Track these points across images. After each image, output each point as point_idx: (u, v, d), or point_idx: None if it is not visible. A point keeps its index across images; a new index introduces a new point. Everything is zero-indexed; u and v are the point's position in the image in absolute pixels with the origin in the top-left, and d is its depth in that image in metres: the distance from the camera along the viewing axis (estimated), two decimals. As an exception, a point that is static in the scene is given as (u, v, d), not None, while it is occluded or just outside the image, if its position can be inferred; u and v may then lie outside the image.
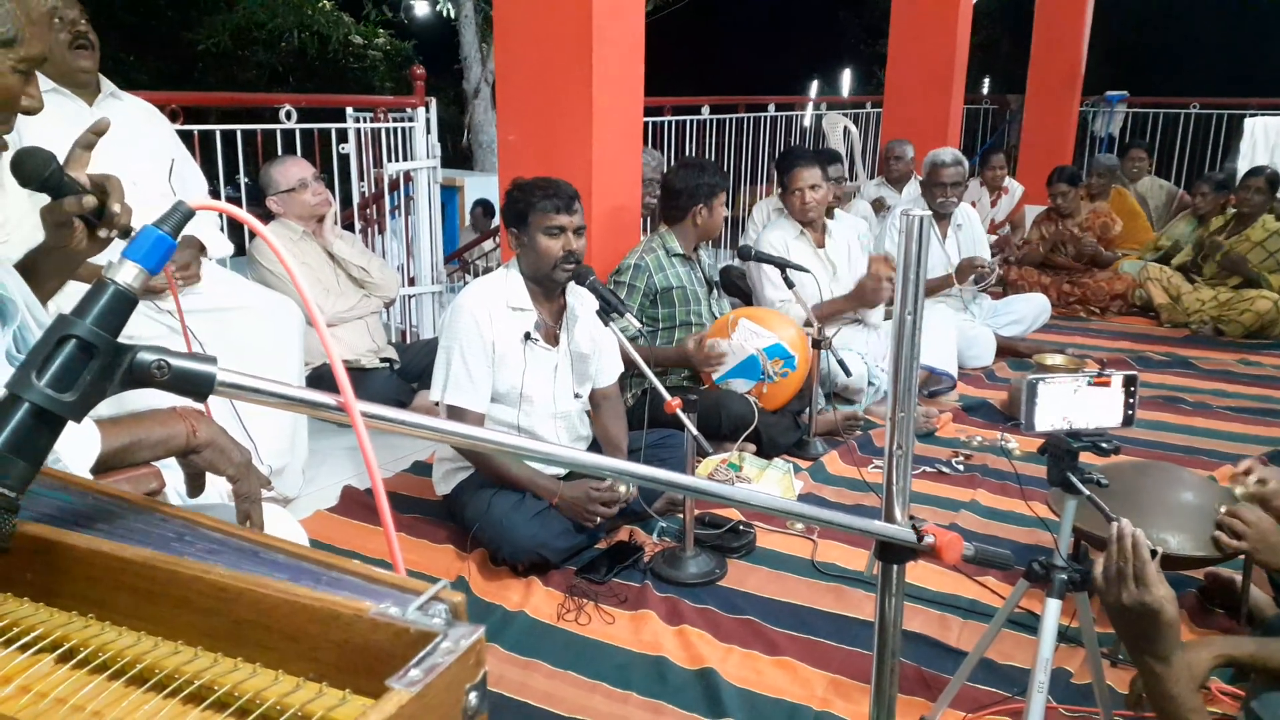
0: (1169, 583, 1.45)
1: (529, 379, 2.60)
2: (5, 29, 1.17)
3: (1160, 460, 3.03)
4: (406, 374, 3.68)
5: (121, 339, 0.68)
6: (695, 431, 2.40)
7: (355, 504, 2.95)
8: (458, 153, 12.91)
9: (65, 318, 0.64)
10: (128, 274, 0.66)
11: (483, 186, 8.60)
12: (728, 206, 6.29)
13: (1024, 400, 1.54)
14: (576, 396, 2.76)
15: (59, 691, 0.61)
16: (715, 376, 3.33)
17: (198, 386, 0.69)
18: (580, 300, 2.71)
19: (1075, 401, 1.58)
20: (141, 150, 2.63)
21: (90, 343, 0.64)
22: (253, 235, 3.59)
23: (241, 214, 0.75)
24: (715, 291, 3.61)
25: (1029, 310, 4.97)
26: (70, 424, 0.66)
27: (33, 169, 1.45)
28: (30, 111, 1.29)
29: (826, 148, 6.38)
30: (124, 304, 0.66)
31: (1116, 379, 1.61)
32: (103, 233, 1.49)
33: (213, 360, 0.69)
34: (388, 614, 0.58)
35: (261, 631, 0.61)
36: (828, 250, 3.97)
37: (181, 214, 0.69)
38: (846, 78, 13.80)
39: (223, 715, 0.58)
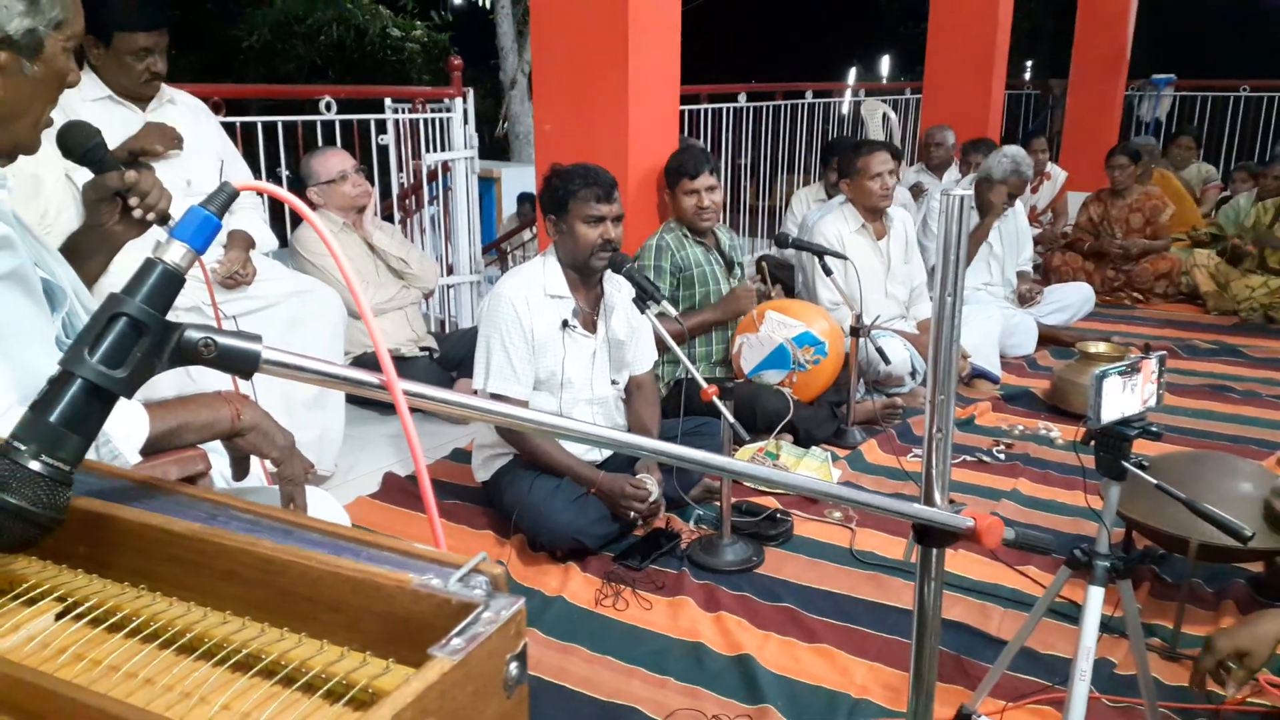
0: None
1: (568, 366, 2.61)
2: (56, 12, 1.20)
3: (1209, 449, 2.98)
4: (446, 362, 3.71)
5: None
6: (732, 419, 2.39)
7: (396, 490, 2.98)
8: (494, 144, 12.97)
9: (116, 296, 0.66)
10: (176, 253, 0.68)
11: (520, 177, 8.61)
12: (762, 196, 6.28)
13: (1091, 394, 1.51)
14: (613, 383, 2.77)
15: (112, 659, 0.62)
16: (747, 370, 3.31)
17: (243, 364, 0.70)
18: (617, 287, 2.72)
19: (1127, 388, 1.56)
20: (195, 152, 2.69)
21: (140, 320, 0.66)
22: (294, 226, 3.63)
23: (287, 195, 0.76)
24: (738, 271, 3.58)
25: (1073, 299, 4.89)
26: (121, 405, 0.67)
27: (76, 140, 1.51)
28: (71, 85, 1.33)
29: (879, 139, 6.30)
30: (172, 283, 0.67)
31: (1151, 360, 1.59)
32: (137, 213, 1.54)
33: (258, 339, 0.70)
34: (429, 585, 0.58)
35: (306, 603, 0.62)
36: (889, 242, 3.92)
37: (227, 194, 0.70)
38: (885, 63, 13.64)
39: (270, 683, 0.59)
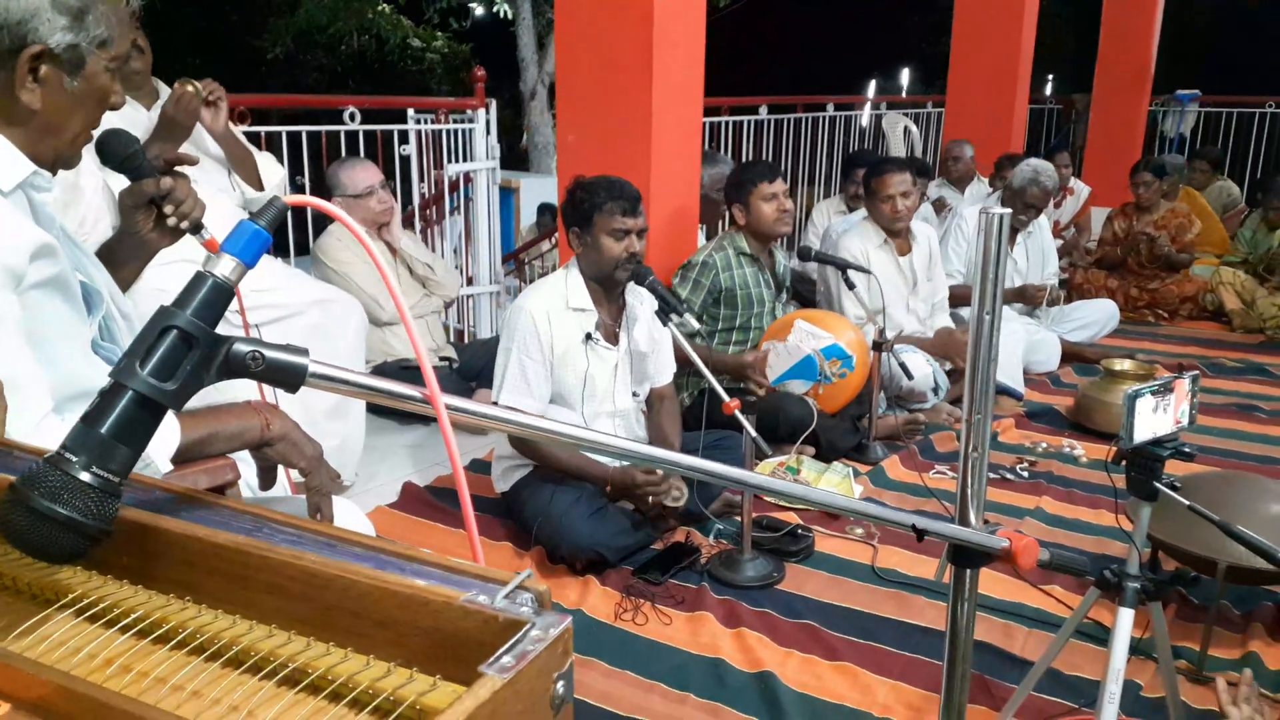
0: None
1: (590, 378, 2.61)
2: (100, 31, 1.22)
3: (1236, 469, 2.95)
4: (464, 373, 3.72)
5: None
6: (754, 433, 2.38)
7: (415, 500, 2.98)
8: (512, 154, 13.03)
9: (167, 309, 0.66)
10: (226, 267, 0.68)
11: (538, 187, 8.62)
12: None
13: (1125, 414, 1.50)
14: (634, 395, 2.76)
15: (159, 672, 0.62)
16: (772, 379, 3.30)
17: (290, 377, 0.70)
18: (639, 299, 2.72)
19: (1159, 408, 1.55)
20: (201, 150, 2.71)
21: (190, 333, 0.66)
22: (316, 234, 3.65)
23: (328, 206, 0.76)
24: (784, 295, 3.57)
25: (1097, 316, 4.86)
26: None
27: (116, 148, 1.55)
28: (115, 107, 1.35)
29: (900, 155, 6.28)
30: (222, 296, 0.68)
31: (1184, 380, 1.58)
32: (171, 221, 1.56)
33: (304, 352, 0.71)
34: (476, 601, 0.58)
35: (351, 618, 0.62)
36: (912, 259, 3.91)
37: (277, 209, 0.71)
38: (905, 76, 13.65)
39: (317, 698, 0.59)
